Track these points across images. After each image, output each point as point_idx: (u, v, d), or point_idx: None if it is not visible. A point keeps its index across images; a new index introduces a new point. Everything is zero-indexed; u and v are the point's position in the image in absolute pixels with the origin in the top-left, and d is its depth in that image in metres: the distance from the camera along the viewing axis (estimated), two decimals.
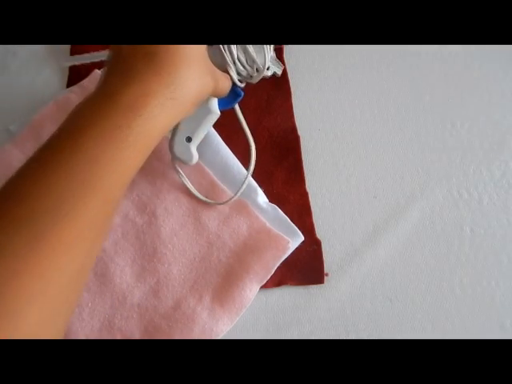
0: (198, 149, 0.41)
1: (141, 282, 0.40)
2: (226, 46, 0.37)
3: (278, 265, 0.40)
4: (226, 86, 0.37)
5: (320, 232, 0.42)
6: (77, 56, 0.50)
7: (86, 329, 0.39)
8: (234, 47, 0.37)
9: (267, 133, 0.46)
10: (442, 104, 0.47)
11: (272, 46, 0.39)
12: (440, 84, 0.48)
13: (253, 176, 0.43)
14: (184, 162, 0.41)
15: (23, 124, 0.46)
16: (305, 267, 0.41)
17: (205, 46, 0.32)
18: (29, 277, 0.23)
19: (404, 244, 0.42)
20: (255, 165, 0.43)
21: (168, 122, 0.29)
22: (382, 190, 0.44)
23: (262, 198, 0.42)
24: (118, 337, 0.39)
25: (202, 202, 0.42)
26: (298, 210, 0.43)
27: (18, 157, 0.44)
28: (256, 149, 0.44)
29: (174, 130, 0.40)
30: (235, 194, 0.41)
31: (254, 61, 0.38)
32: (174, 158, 0.41)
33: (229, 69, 0.37)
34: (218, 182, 0.43)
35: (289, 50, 0.49)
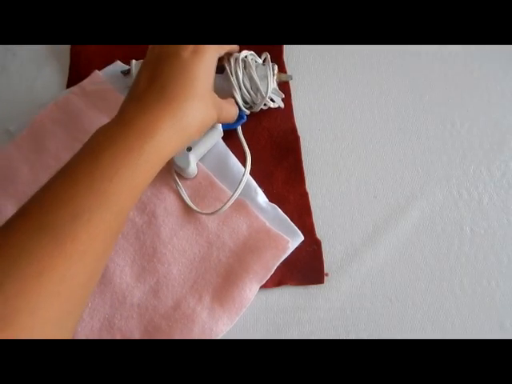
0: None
1: (141, 282, 0.40)
2: (233, 71, 0.41)
3: (277, 264, 0.40)
4: (231, 114, 0.41)
5: (320, 232, 0.42)
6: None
7: (86, 329, 0.39)
8: (240, 72, 0.41)
9: (267, 133, 0.46)
10: (442, 104, 0.47)
11: (275, 76, 0.43)
12: (440, 84, 0.48)
13: (253, 176, 0.43)
14: (181, 170, 0.41)
15: (23, 124, 0.46)
16: (305, 267, 0.41)
17: (212, 81, 0.36)
18: (48, 279, 0.26)
19: (404, 244, 0.42)
20: (255, 165, 0.43)
21: (175, 145, 0.33)
22: (382, 190, 0.44)
23: (261, 197, 0.42)
24: (118, 337, 0.39)
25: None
26: (298, 209, 0.43)
27: (17, 157, 0.44)
28: (256, 149, 0.44)
29: None
30: (222, 206, 0.40)
31: (258, 88, 0.42)
32: (173, 163, 0.42)
33: (234, 92, 0.41)
34: (218, 182, 0.43)
35: (289, 49, 0.49)
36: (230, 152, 0.44)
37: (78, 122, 0.45)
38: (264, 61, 0.45)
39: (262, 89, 0.42)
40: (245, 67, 0.42)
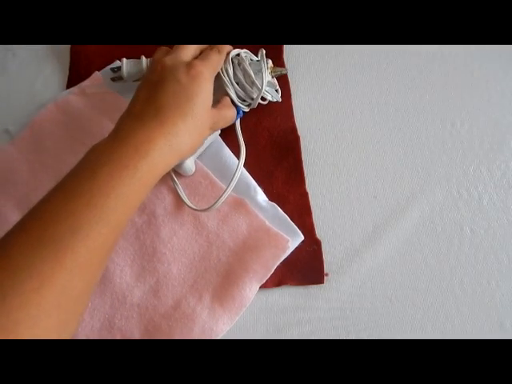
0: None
1: (141, 282, 0.40)
2: (223, 69, 0.41)
3: (277, 264, 0.40)
4: (228, 119, 0.41)
5: (320, 232, 0.42)
6: None
7: (86, 329, 0.39)
8: (230, 69, 0.41)
9: (267, 133, 0.46)
10: (442, 104, 0.47)
11: (269, 68, 0.43)
12: (440, 84, 0.48)
13: (253, 176, 0.43)
14: (178, 167, 0.41)
15: (23, 125, 0.46)
16: (305, 267, 0.41)
17: (210, 101, 0.37)
18: (48, 291, 0.27)
19: (404, 244, 0.42)
20: (255, 165, 0.43)
21: (167, 163, 0.34)
22: (382, 190, 0.44)
23: (261, 196, 0.42)
24: (118, 337, 0.39)
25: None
26: (298, 209, 0.43)
27: (17, 158, 0.44)
28: (256, 149, 0.44)
29: None
30: (217, 200, 0.40)
31: (253, 82, 0.42)
32: None
33: (228, 89, 0.41)
34: (218, 181, 0.43)
35: (289, 49, 0.49)
36: (230, 151, 0.44)
37: (78, 122, 0.45)
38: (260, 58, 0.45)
39: (258, 82, 0.42)
40: (239, 63, 0.42)
